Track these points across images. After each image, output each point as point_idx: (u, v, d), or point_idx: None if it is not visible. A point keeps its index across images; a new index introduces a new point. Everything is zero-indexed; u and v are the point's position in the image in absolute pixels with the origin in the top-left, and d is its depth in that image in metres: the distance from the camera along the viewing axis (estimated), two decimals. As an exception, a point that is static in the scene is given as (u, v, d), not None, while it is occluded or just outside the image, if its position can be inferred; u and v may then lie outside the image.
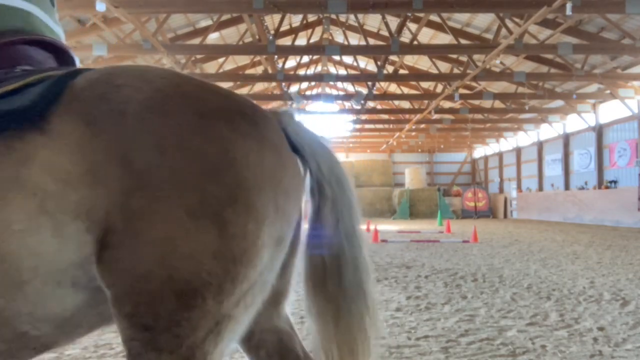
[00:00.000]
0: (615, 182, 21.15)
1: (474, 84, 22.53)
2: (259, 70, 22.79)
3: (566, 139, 25.81)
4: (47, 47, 1.43)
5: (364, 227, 17.15)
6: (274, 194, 1.09)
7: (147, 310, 1.00)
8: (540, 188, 28.66)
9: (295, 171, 1.21)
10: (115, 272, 1.00)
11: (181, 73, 1.27)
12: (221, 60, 20.80)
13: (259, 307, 1.18)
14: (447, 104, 25.64)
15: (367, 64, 25.29)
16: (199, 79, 1.23)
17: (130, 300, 1.00)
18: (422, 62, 23.74)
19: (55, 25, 1.51)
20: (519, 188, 31.25)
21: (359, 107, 24.10)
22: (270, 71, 19.43)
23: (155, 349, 1.00)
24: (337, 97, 25.72)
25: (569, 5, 10.82)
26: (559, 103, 24.07)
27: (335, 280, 1.24)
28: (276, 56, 17.65)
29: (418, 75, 22.84)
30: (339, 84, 30.79)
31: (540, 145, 28.92)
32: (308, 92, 29.65)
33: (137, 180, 0.99)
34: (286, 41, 21.52)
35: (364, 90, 22.35)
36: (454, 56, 20.50)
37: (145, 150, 1.01)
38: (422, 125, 28.96)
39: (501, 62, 19.76)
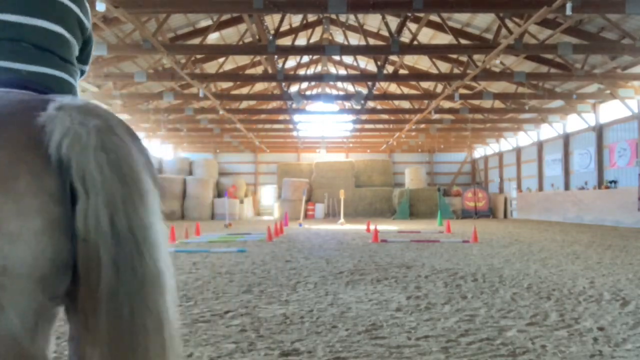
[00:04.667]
0: (615, 182, 21.15)
1: (474, 84, 22.53)
2: (259, 70, 22.82)
3: (566, 139, 25.82)
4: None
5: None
6: None
7: None
8: (540, 188, 28.67)
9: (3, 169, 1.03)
10: None
11: None
12: (221, 60, 20.81)
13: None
14: (447, 104, 25.66)
15: (367, 64, 25.30)
16: None
17: None
18: (422, 62, 23.75)
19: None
20: (519, 188, 31.27)
21: (359, 107, 24.10)
22: (270, 71, 19.43)
23: None
24: (337, 97, 25.72)
25: (569, 5, 10.82)
26: (559, 103, 24.07)
27: (86, 290, 1.08)
28: (276, 56, 17.65)
29: (418, 75, 22.83)
30: (339, 84, 30.82)
31: (540, 145, 28.93)
32: (308, 92, 29.67)
33: None
34: (286, 41, 21.53)
35: (364, 90, 22.35)
36: (454, 56, 20.49)
37: None
38: (422, 125, 28.98)
39: (501, 62, 19.76)
